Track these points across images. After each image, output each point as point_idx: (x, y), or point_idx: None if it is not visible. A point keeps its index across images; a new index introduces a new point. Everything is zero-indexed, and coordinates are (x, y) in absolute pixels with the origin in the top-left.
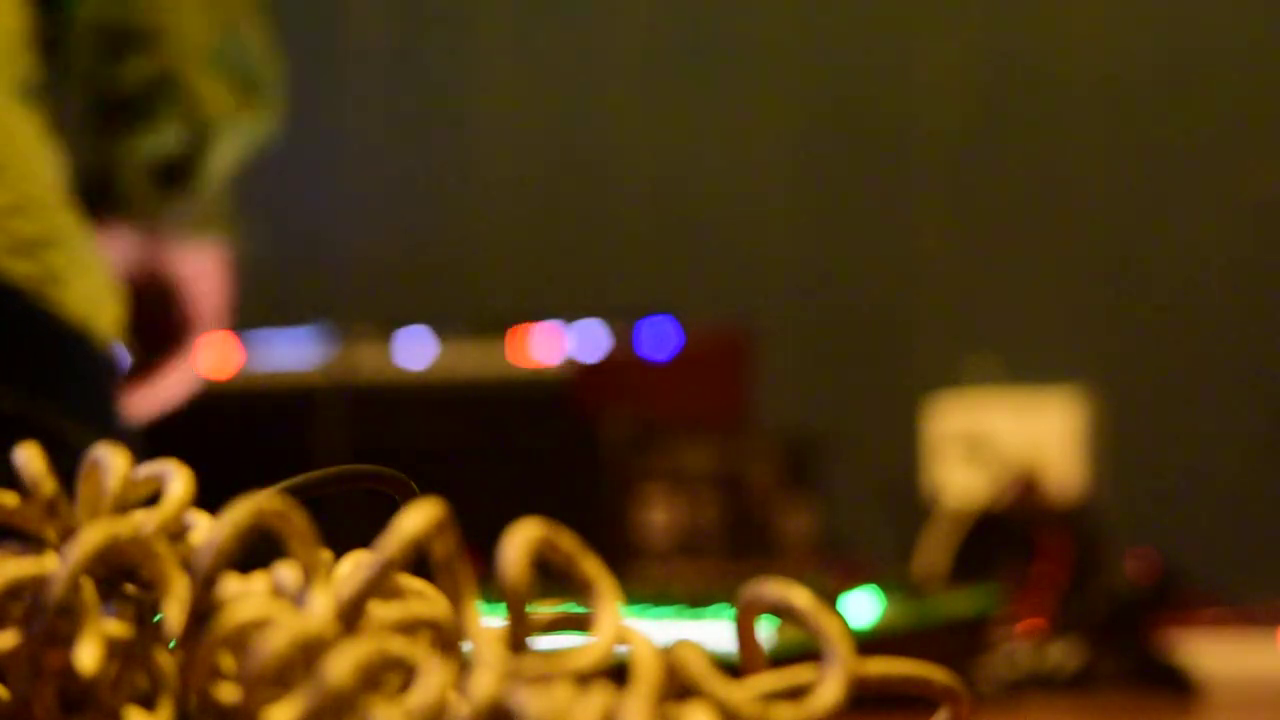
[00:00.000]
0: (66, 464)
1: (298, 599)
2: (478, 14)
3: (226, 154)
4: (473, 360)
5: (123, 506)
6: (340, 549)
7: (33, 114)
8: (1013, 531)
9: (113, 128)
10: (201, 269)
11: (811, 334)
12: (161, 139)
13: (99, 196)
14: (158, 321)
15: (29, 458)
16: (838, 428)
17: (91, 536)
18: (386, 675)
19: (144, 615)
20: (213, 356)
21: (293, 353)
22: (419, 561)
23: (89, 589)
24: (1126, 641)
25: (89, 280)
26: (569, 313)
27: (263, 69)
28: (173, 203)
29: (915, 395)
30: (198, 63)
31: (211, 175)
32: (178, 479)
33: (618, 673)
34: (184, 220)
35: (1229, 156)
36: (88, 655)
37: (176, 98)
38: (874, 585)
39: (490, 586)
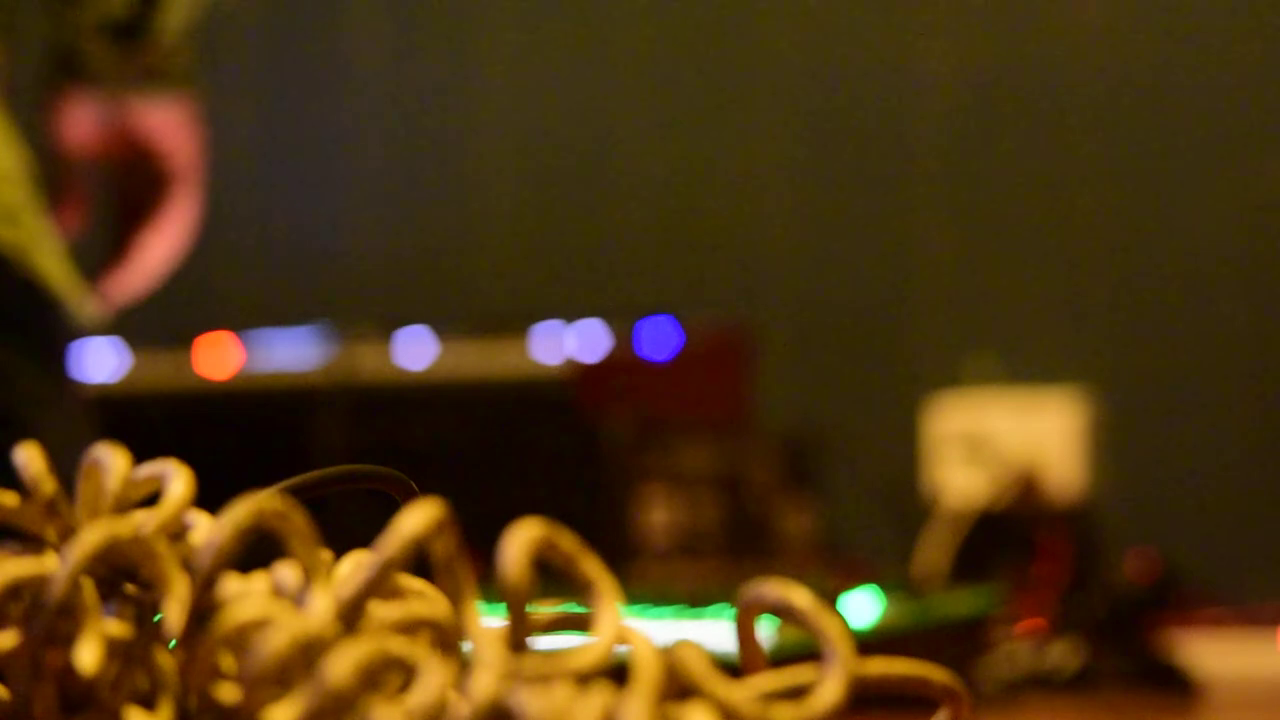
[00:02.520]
0: (71, 456)
1: (298, 599)
2: (478, 14)
3: (179, 9)
4: (473, 360)
5: (123, 506)
6: (340, 549)
7: None
8: (1013, 531)
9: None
10: (170, 123)
11: (811, 334)
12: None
13: (64, 69)
14: (136, 181)
15: (29, 458)
16: (838, 428)
17: (91, 536)
18: (386, 675)
19: (144, 615)
20: (213, 356)
21: (293, 353)
22: (419, 561)
23: (89, 589)
24: (1126, 641)
25: (54, 246)
26: (569, 313)
27: None
28: (131, 61)
29: (915, 395)
30: None
31: (165, 30)
32: (178, 479)
33: (618, 673)
34: (146, 78)
35: (1230, 156)
36: (88, 655)
37: None
38: (874, 585)
39: (490, 586)
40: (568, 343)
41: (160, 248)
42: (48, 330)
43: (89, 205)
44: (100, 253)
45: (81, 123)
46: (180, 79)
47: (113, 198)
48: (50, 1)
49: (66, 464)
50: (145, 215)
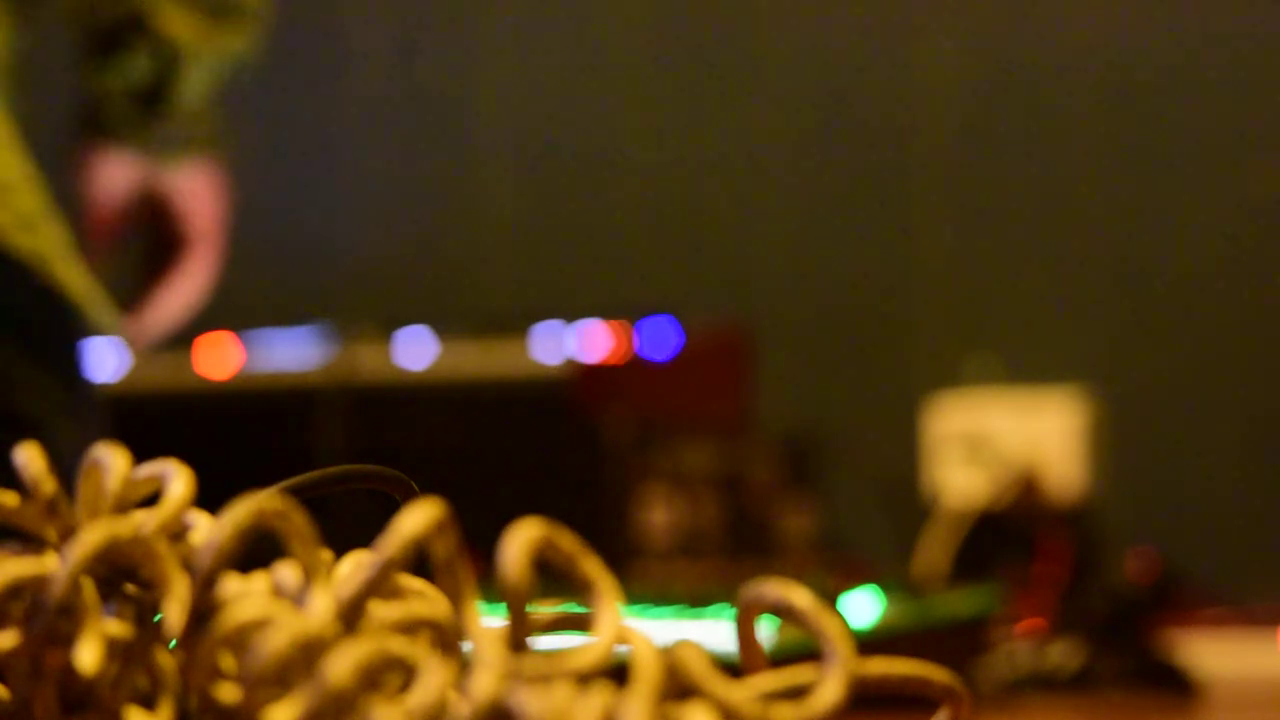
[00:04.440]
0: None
1: (298, 599)
2: (478, 14)
3: (201, 76)
4: (473, 360)
5: (123, 506)
6: (340, 549)
7: (3, 108)
8: (1013, 531)
9: (92, 59)
10: (193, 187)
11: (811, 334)
12: (133, 67)
13: (90, 125)
14: (156, 240)
15: (29, 458)
16: (838, 428)
17: (92, 536)
18: (386, 675)
19: (144, 615)
20: (213, 356)
21: (293, 353)
22: (419, 561)
23: (89, 589)
24: (1126, 641)
25: (71, 253)
26: (569, 313)
27: None
28: (154, 125)
29: (915, 395)
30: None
31: (187, 97)
32: (178, 479)
33: (618, 673)
34: (170, 142)
35: (1229, 157)
36: (88, 655)
37: (144, 29)
38: (874, 585)
39: (490, 586)
40: (568, 343)
41: (175, 304)
42: (65, 337)
43: (112, 257)
44: (121, 302)
45: (108, 179)
46: (204, 143)
47: (134, 253)
48: (81, 64)
49: (80, 470)
50: (164, 273)
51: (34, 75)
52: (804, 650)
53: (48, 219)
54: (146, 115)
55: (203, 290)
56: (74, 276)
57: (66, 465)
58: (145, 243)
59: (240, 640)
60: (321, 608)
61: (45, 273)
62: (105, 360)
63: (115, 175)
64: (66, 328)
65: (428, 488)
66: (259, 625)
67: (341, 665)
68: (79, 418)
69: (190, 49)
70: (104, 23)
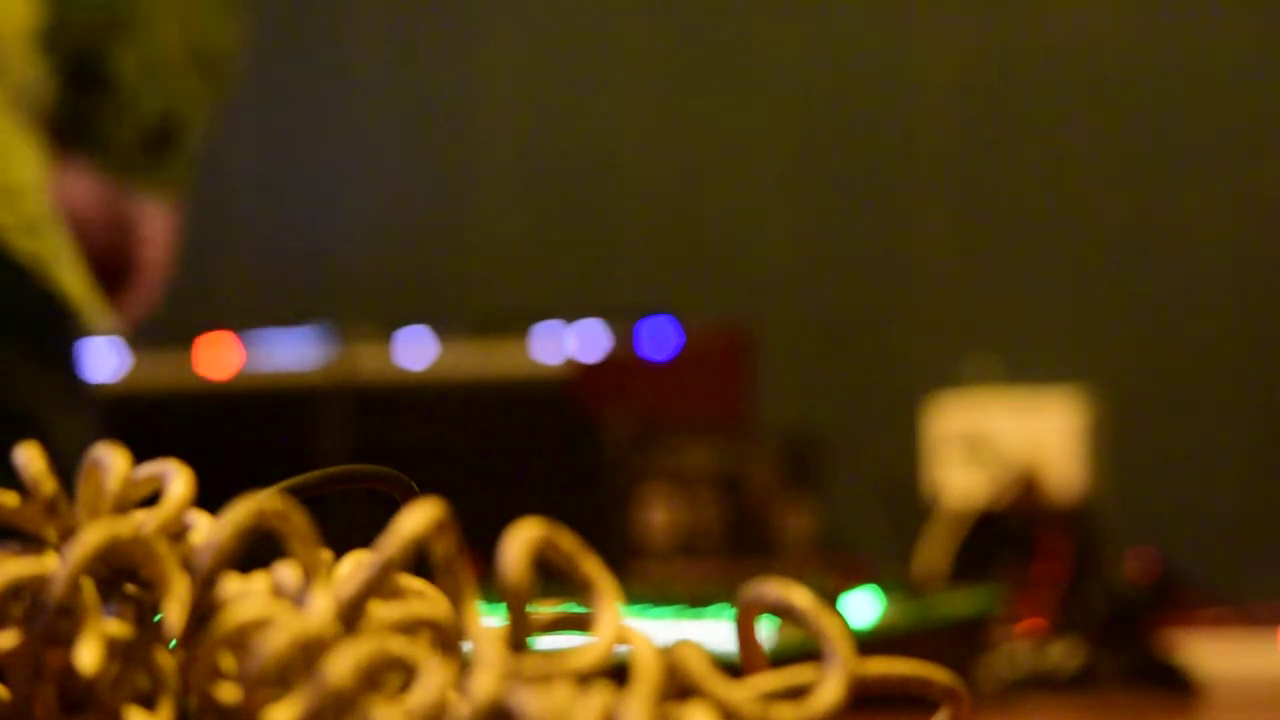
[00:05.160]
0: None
1: (298, 599)
2: (478, 14)
3: (197, 130)
4: (473, 360)
5: (123, 506)
6: (340, 549)
7: (16, 110)
8: (1013, 531)
9: (99, 97)
10: (155, 222)
11: (811, 334)
12: (144, 117)
13: (74, 138)
14: (109, 258)
15: (29, 458)
16: (838, 428)
17: (92, 536)
18: (386, 675)
19: (144, 615)
20: (213, 356)
21: (293, 353)
22: (419, 561)
23: (89, 589)
24: (1126, 641)
25: (70, 258)
26: (569, 313)
27: (224, 43)
28: (151, 168)
29: (915, 395)
30: (177, 58)
31: (187, 151)
32: (178, 479)
33: (618, 673)
34: (145, 171)
35: (1231, 157)
36: (88, 655)
37: (158, 91)
38: (874, 585)
39: (490, 586)
40: (568, 343)
41: (120, 316)
42: (65, 338)
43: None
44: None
45: (78, 190)
46: (173, 185)
47: (88, 262)
48: (81, 91)
49: (80, 470)
50: (114, 288)
51: None
52: (804, 650)
53: (51, 224)
54: (148, 158)
55: (142, 313)
56: (74, 281)
57: (66, 465)
58: (96, 258)
59: (240, 640)
60: (321, 608)
61: (46, 276)
62: (105, 361)
63: (84, 190)
64: (66, 330)
65: (428, 488)
66: (259, 625)
67: (341, 665)
68: (78, 418)
69: (194, 108)
70: (118, 75)
